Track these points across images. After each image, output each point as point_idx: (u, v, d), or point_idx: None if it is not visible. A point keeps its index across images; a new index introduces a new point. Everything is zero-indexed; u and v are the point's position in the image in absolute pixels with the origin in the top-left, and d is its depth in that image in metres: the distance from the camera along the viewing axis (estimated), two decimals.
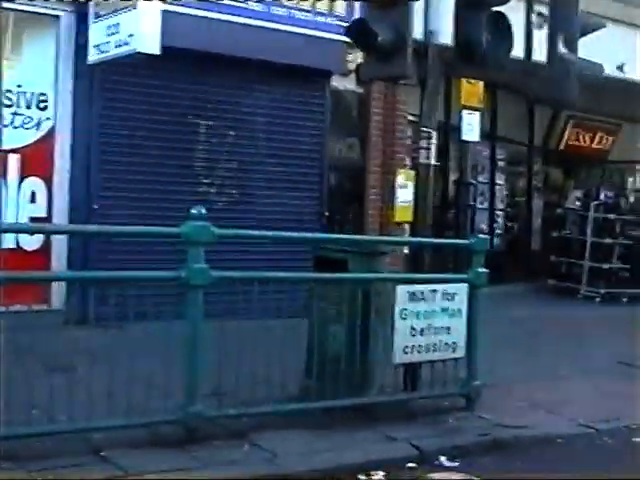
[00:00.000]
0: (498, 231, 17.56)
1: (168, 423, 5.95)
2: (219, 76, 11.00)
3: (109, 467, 5.36)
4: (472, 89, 11.30)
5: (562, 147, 20.06)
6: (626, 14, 14.51)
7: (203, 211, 5.91)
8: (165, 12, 9.59)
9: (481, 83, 11.46)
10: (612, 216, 17.21)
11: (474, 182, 12.60)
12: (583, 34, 8.11)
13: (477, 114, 11.42)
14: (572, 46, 7.92)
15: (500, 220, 17.69)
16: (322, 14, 11.54)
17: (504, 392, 8.03)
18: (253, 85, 11.43)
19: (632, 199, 19.46)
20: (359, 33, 7.53)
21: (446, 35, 7.83)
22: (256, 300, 6.25)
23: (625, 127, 20.58)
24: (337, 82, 12.05)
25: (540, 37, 8.05)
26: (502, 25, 7.59)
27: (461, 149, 11.67)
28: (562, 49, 7.87)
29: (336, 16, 11.45)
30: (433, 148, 7.71)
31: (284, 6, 11.26)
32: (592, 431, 7.32)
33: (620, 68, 13.67)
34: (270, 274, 6.86)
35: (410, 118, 11.35)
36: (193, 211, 5.91)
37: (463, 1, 7.76)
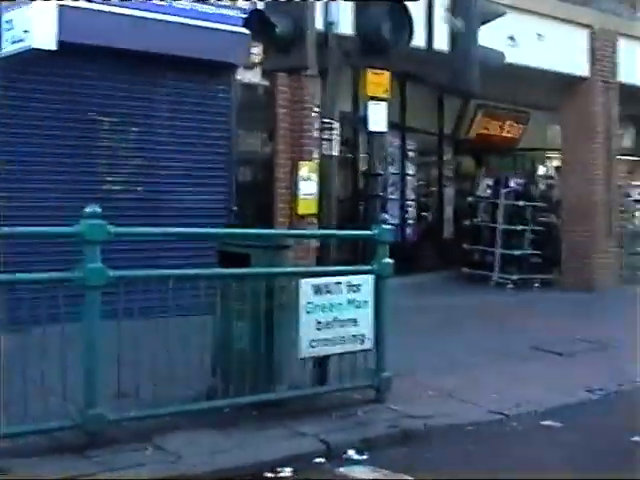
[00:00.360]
0: (410, 221, 17.64)
1: (68, 428, 5.78)
2: (121, 71, 10.79)
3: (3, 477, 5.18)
4: (378, 79, 11.21)
5: (472, 136, 20.25)
6: (526, 1, 14.65)
7: (98, 209, 5.74)
8: (63, 7, 9.38)
9: (387, 73, 11.39)
10: (522, 203, 17.43)
11: (382, 173, 12.57)
12: (484, 22, 8.13)
13: (384, 104, 11.34)
14: (473, 34, 7.95)
15: (412, 210, 17.79)
16: (225, 6, 11.38)
17: (414, 382, 8.03)
18: (157, 80, 11.24)
19: (542, 186, 19.76)
20: (257, 24, 7.44)
21: (347, 25, 7.76)
22: (157, 299, 6.12)
23: (534, 115, 20.85)
24: (243, 75, 11.91)
25: (442, 26, 8.00)
26: (403, 14, 7.54)
27: (369, 140, 11.60)
28: (463, 37, 7.90)
29: (239, 8, 11.31)
30: (335, 139, 7.64)
31: None
32: (502, 417, 7.36)
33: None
34: (170, 272, 6.70)
35: (317, 110, 11.26)
36: (87, 209, 5.75)
37: None
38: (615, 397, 8.27)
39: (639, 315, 10.75)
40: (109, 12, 10.24)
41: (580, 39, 16.35)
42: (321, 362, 7.19)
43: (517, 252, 17.14)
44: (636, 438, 6.82)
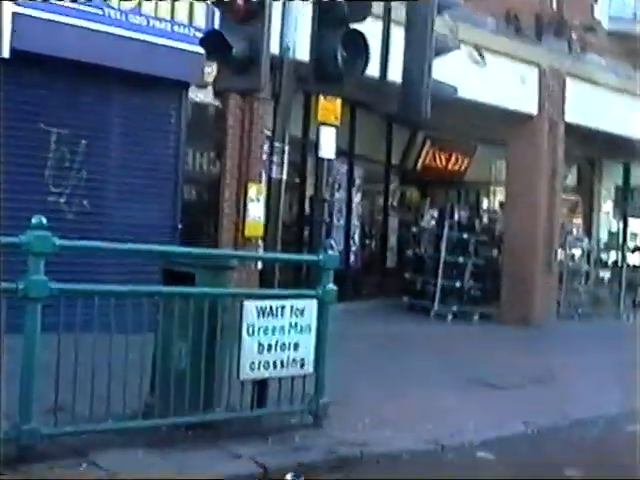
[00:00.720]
0: (353, 248, 17.70)
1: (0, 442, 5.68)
2: (73, 83, 10.73)
3: None
4: (329, 106, 11.34)
5: (419, 167, 20.45)
6: (479, 38, 14.87)
7: (44, 220, 5.68)
8: (17, 15, 9.31)
9: (339, 100, 11.52)
10: (466, 235, 17.58)
11: (328, 199, 12.64)
12: (437, 54, 8.21)
13: (334, 131, 11.46)
14: (427, 66, 8.02)
15: (356, 237, 17.85)
16: (181, 24, 11.39)
17: (352, 409, 8.03)
18: (108, 94, 11.20)
19: (486, 220, 19.97)
20: (213, 44, 7.44)
21: (302, 50, 7.81)
22: (98, 314, 6.07)
23: (480, 149, 21.11)
24: (195, 94, 11.90)
25: (396, 57, 8.08)
26: (358, 42, 7.60)
27: (317, 165, 11.67)
28: (416, 69, 7.98)
29: (195, 27, 11.32)
30: (285, 163, 7.66)
31: (142, 15, 11.07)
32: (438, 447, 7.38)
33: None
34: (112, 287, 6.64)
35: (267, 132, 11.28)
36: (34, 220, 5.69)
37: (320, 17, 7.76)
38: (550, 431, 8.34)
39: (574, 351, 10.89)
40: (64, 23, 10.19)
41: (530, 77, 16.61)
42: (260, 385, 7.16)
43: (458, 284, 17.27)
44: (569, 472, 6.90)
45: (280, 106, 7.66)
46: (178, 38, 11.25)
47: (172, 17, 11.34)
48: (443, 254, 17.37)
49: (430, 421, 8.01)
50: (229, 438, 6.70)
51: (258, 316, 6.77)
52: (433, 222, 18.27)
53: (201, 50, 7.97)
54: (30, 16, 9.73)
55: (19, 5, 9.34)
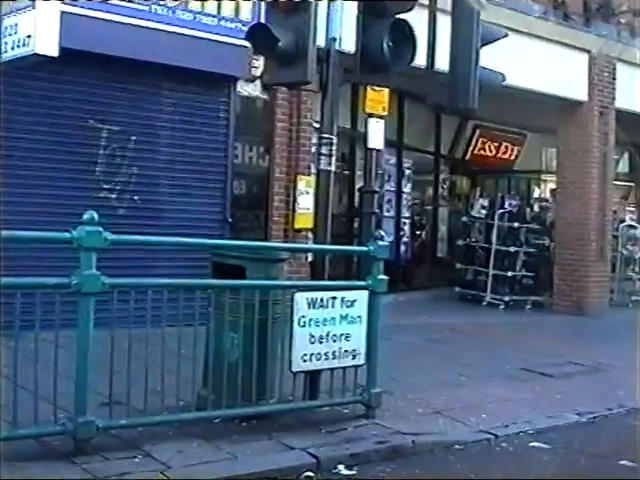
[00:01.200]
0: (404, 239, 17.66)
1: (56, 434, 5.77)
2: (121, 80, 10.80)
3: None
4: (377, 97, 11.32)
5: (468, 156, 20.35)
6: (526, 25, 14.74)
7: (95, 216, 5.75)
8: (65, 13, 9.39)
9: (386, 91, 11.49)
10: (517, 224, 17.46)
11: (378, 190, 12.61)
12: (485, 43, 8.17)
13: (382, 122, 11.44)
14: (474, 55, 7.99)
15: (406, 228, 17.80)
16: (227, 19, 11.43)
17: (405, 399, 8.05)
18: (156, 90, 11.26)
19: (536, 208, 19.81)
20: (260, 38, 7.47)
21: (349, 42, 7.81)
22: (151, 308, 6.13)
23: (530, 137, 20.94)
24: (243, 88, 11.95)
25: (443, 46, 8.06)
26: (404, 33, 7.58)
27: (366, 157, 11.66)
28: (464, 57, 7.95)
29: (241, 21, 11.36)
30: (334, 155, 7.67)
31: (189, 10, 11.12)
32: (491, 437, 7.36)
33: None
34: (164, 281, 6.69)
35: (316, 125, 11.30)
36: (85, 216, 5.76)
37: (366, 8, 7.76)
38: (604, 420, 8.28)
39: (629, 340, 10.77)
40: (111, 20, 10.26)
41: (579, 63, 16.45)
42: (313, 376, 7.19)
43: (510, 273, 17.17)
44: (624, 462, 6.84)
45: (327, 98, 7.67)
46: (225, 33, 11.28)
47: (219, 12, 11.37)
48: (494, 243, 17.28)
49: (483, 411, 8.00)
50: (282, 430, 6.73)
51: (309, 307, 6.79)
52: (484, 211, 18.15)
53: (248, 44, 8.00)
54: (77, 14, 9.81)
55: (67, 4, 9.41)
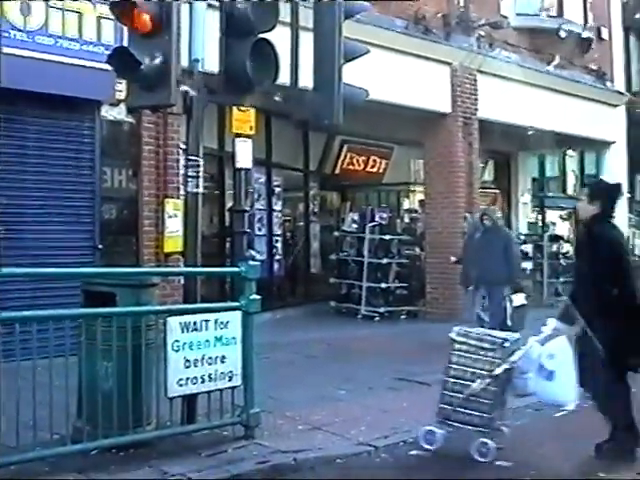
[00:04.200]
0: (277, 257, 17.70)
1: None
2: None
3: None
4: (243, 116, 11.30)
5: (337, 171, 20.55)
6: (389, 40, 15.01)
7: None
8: None
9: (252, 110, 11.49)
10: (388, 237, 17.72)
11: (248, 209, 12.60)
12: (348, 60, 8.28)
13: (249, 141, 11.43)
14: (337, 72, 8.08)
15: (279, 245, 17.84)
16: (90, 43, 11.27)
17: (284, 417, 8.07)
18: (20, 116, 10.97)
19: (407, 219, 20.17)
20: (121, 61, 7.36)
21: (212, 62, 7.80)
22: (19, 340, 5.97)
23: (397, 150, 21.28)
24: (108, 112, 11.79)
25: (306, 63, 8.12)
26: (267, 52, 7.62)
27: (235, 176, 11.64)
28: (326, 75, 8.03)
29: (104, 45, 11.21)
30: (201, 177, 7.64)
31: (50, 35, 10.92)
32: (371, 449, 7.42)
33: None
34: (33, 313, 6.54)
35: (183, 147, 11.24)
36: None
37: (228, 28, 7.75)
38: None
39: None
40: None
41: (441, 76, 16.82)
42: (189, 400, 7.13)
43: (383, 285, 17.40)
44: (499, 462, 7.00)
45: (192, 120, 7.64)
46: (87, 57, 11.11)
47: (80, 36, 11.21)
48: (366, 256, 17.48)
49: (363, 423, 8.07)
50: (161, 457, 6.64)
51: (182, 331, 6.73)
52: (355, 225, 18.37)
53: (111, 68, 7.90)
54: None
55: None
